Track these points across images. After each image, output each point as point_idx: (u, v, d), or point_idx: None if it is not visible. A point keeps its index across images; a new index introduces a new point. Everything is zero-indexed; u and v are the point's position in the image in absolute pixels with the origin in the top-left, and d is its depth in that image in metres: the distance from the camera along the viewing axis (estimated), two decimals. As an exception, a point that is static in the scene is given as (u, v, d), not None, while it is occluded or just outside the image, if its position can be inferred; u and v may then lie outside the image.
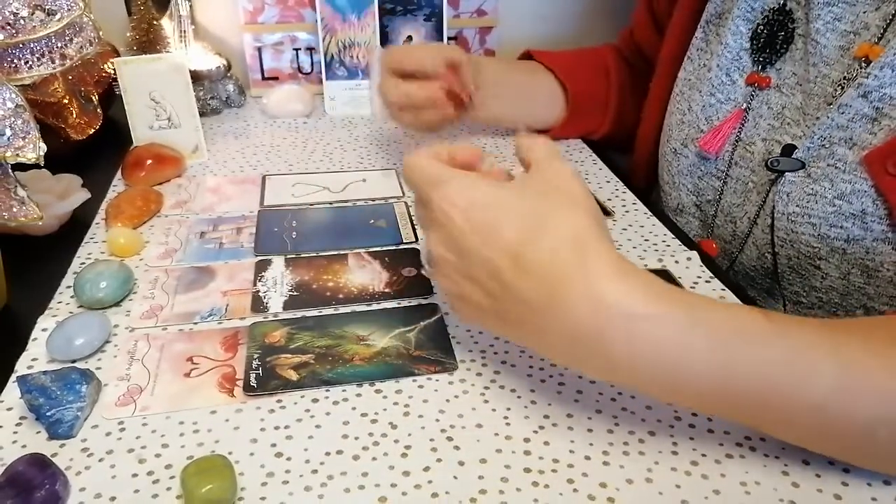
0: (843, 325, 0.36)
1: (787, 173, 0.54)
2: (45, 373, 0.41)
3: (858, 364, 0.34)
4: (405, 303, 0.52)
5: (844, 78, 0.52)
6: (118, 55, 0.82)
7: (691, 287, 0.54)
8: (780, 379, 0.34)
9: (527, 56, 0.83)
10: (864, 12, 0.52)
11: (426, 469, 0.38)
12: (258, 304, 0.51)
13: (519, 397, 0.43)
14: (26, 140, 0.48)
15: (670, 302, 0.35)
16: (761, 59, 0.58)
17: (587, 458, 0.39)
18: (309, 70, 0.95)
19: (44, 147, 0.48)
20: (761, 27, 0.59)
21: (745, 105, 0.60)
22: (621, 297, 0.34)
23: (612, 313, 0.34)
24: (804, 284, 0.55)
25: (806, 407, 0.34)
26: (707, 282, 0.55)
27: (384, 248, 0.59)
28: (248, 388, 0.43)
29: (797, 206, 0.53)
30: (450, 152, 0.43)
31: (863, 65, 0.51)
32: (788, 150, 0.55)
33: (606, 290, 0.34)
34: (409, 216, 0.64)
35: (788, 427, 0.36)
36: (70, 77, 0.72)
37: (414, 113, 0.68)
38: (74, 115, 0.71)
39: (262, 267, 0.56)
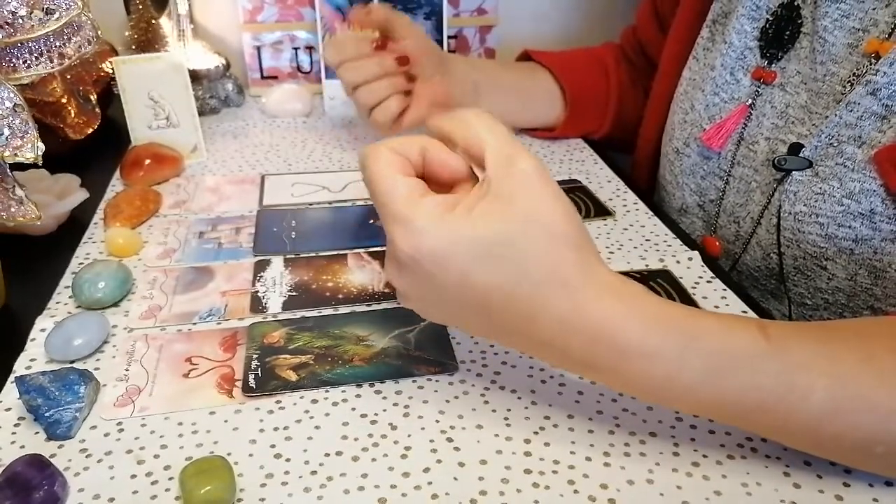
0: (842, 337, 0.36)
1: (794, 172, 0.54)
2: (43, 373, 0.41)
3: (854, 383, 0.33)
4: (405, 303, 0.51)
5: (854, 74, 0.51)
6: (117, 54, 0.82)
7: (692, 288, 0.54)
8: (773, 402, 0.34)
9: (525, 56, 0.83)
10: (874, 9, 0.51)
11: (426, 470, 0.38)
12: (257, 305, 0.51)
13: (519, 398, 0.43)
14: (25, 140, 0.47)
15: (664, 334, 0.34)
16: (768, 54, 0.58)
17: (588, 459, 0.39)
18: (308, 69, 0.95)
19: (42, 147, 0.48)
20: (770, 23, 0.58)
21: (749, 101, 0.59)
22: (610, 332, 0.34)
23: (600, 349, 0.34)
24: (809, 285, 0.55)
25: (800, 426, 0.34)
26: (708, 282, 0.54)
27: (384, 248, 0.58)
28: (247, 389, 0.43)
29: (804, 205, 0.53)
30: (427, 159, 0.37)
31: (872, 61, 0.50)
32: (795, 148, 0.55)
33: (594, 323, 0.34)
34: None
35: (784, 440, 0.37)
36: (68, 76, 0.72)
37: (369, 90, 0.68)
38: (73, 115, 0.71)
39: (261, 267, 0.56)
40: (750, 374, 0.34)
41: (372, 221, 0.63)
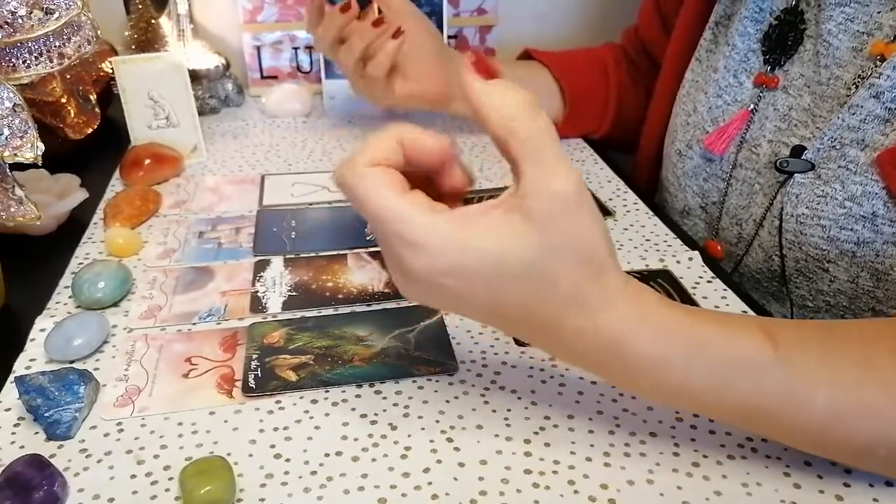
0: (845, 342, 0.36)
1: (796, 175, 0.53)
2: (43, 373, 0.41)
3: (856, 389, 0.33)
4: (405, 303, 0.51)
5: (859, 77, 0.51)
6: (116, 54, 0.82)
7: (693, 288, 0.54)
8: (776, 408, 0.34)
9: (526, 56, 0.84)
10: (878, 12, 0.51)
11: (426, 470, 0.38)
12: (257, 305, 0.51)
13: (519, 398, 0.43)
14: (24, 139, 0.47)
15: (671, 344, 0.34)
16: (771, 59, 0.58)
17: (588, 459, 0.39)
18: (308, 69, 0.95)
19: (42, 146, 0.48)
20: (773, 28, 0.58)
21: (751, 106, 0.59)
22: (621, 342, 0.34)
23: (610, 356, 0.34)
24: (811, 288, 0.55)
25: (803, 431, 0.35)
26: (709, 282, 0.54)
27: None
28: (246, 389, 0.43)
29: (806, 207, 0.53)
30: (406, 152, 0.34)
31: (877, 63, 0.50)
32: (798, 151, 0.54)
33: (606, 333, 0.34)
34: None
35: (788, 443, 0.37)
36: (68, 76, 0.72)
37: (346, 48, 0.68)
38: (72, 115, 0.71)
39: (260, 267, 0.56)
40: (754, 381, 0.34)
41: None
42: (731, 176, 0.61)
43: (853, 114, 0.50)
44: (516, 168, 0.32)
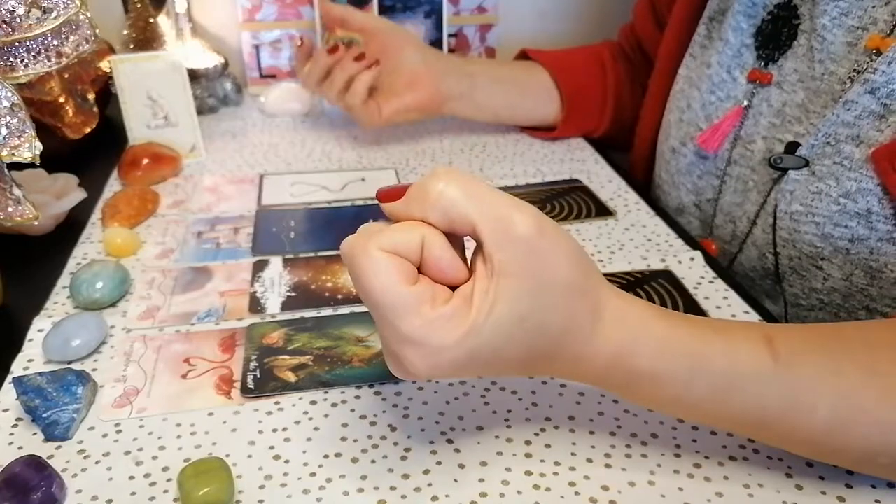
0: (849, 347, 0.35)
1: (790, 171, 0.53)
2: (41, 374, 0.41)
3: (858, 398, 0.33)
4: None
5: (854, 71, 0.51)
6: (114, 53, 0.81)
7: (694, 288, 0.53)
8: (777, 418, 0.34)
9: (523, 56, 0.83)
10: (873, 7, 0.51)
11: (426, 472, 0.38)
12: (256, 305, 0.51)
13: (520, 399, 0.42)
14: (22, 139, 0.47)
15: (671, 358, 0.34)
16: (764, 55, 0.58)
17: (589, 460, 0.38)
18: (307, 68, 0.95)
19: (40, 146, 0.48)
20: (766, 22, 0.58)
21: (745, 103, 0.59)
22: (621, 359, 0.34)
23: (612, 373, 0.34)
24: (805, 286, 0.55)
25: (804, 440, 0.35)
26: (710, 282, 0.54)
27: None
28: (245, 390, 0.43)
29: (801, 204, 0.52)
30: (424, 256, 0.32)
31: (873, 57, 0.50)
32: (792, 147, 0.54)
33: (606, 353, 0.34)
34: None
35: (789, 450, 0.37)
36: (66, 75, 0.72)
37: (329, 82, 0.72)
38: (71, 114, 0.71)
39: (259, 267, 0.55)
40: (755, 392, 0.34)
41: (371, 221, 0.62)
42: (725, 173, 0.61)
43: (848, 109, 0.50)
44: (476, 237, 0.32)
